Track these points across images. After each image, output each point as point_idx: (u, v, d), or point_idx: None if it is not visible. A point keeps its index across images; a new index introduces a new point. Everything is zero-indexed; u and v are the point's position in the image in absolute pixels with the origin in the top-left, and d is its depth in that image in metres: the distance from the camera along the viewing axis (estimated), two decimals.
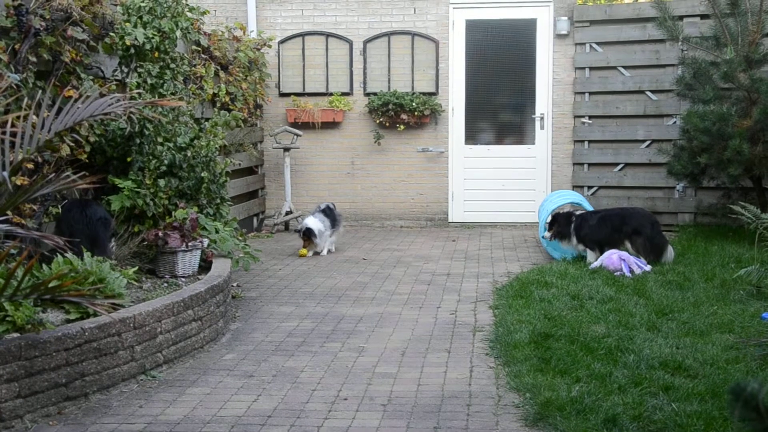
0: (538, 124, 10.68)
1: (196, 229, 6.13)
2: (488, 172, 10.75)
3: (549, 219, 8.02)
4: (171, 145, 6.46)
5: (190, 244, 5.96)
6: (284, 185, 10.54)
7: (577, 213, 7.92)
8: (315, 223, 8.65)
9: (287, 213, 10.45)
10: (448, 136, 10.83)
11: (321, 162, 10.99)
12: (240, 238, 7.11)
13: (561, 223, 7.88)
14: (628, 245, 7.60)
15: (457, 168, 10.84)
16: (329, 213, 8.90)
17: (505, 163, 10.75)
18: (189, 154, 6.53)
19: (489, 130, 10.97)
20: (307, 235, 8.61)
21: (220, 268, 6.02)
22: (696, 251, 8.13)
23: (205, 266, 6.18)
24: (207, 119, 7.90)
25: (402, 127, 10.66)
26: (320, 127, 10.80)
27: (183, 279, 5.85)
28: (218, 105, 8.87)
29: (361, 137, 10.91)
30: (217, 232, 6.48)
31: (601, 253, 7.64)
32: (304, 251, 8.69)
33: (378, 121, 10.72)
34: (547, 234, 7.98)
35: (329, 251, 8.85)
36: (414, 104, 10.49)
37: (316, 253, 8.77)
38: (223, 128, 7.70)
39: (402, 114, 10.57)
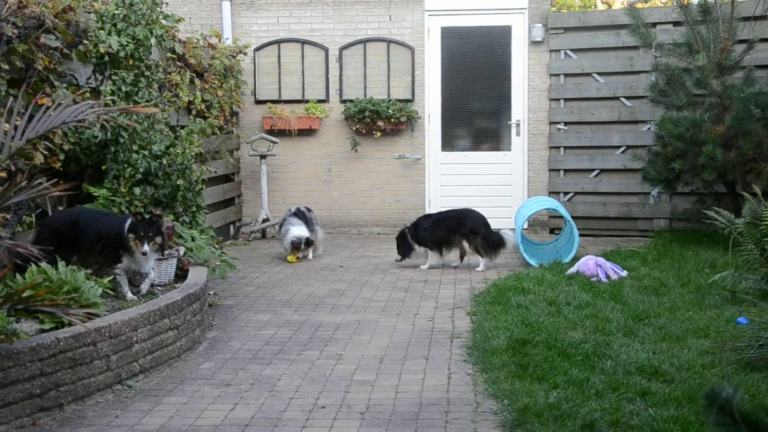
0: (514, 130, 10.74)
1: (172, 237, 6.09)
2: (465, 179, 10.80)
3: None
4: (146, 152, 6.42)
5: (166, 252, 5.91)
6: (261, 193, 10.51)
7: (409, 225, 8.44)
8: (304, 230, 8.73)
9: (264, 220, 10.42)
10: (424, 143, 10.86)
11: (298, 169, 10.97)
12: (216, 246, 7.09)
13: (400, 243, 8.37)
14: (466, 245, 8.22)
15: (433, 174, 10.87)
16: (301, 216, 8.96)
17: (482, 169, 10.79)
18: (164, 162, 6.50)
19: (465, 136, 11.02)
20: (308, 244, 8.75)
21: (197, 276, 5.98)
22: (671, 256, 8.21)
23: (181, 275, 6.15)
24: (182, 127, 7.87)
25: (379, 134, 10.68)
26: (297, 134, 10.79)
27: (159, 288, 5.81)
28: (194, 112, 8.83)
29: (338, 144, 10.91)
30: (193, 240, 6.46)
31: (440, 252, 8.21)
32: (293, 258, 8.74)
33: (354, 128, 10.73)
34: (398, 258, 8.42)
35: (306, 257, 8.94)
36: (390, 111, 10.51)
37: (304, 257, 8.91)
38: (199, 136, 7.66)
39: (378, 121, 10.59)
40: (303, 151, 10.95)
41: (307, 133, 10.87)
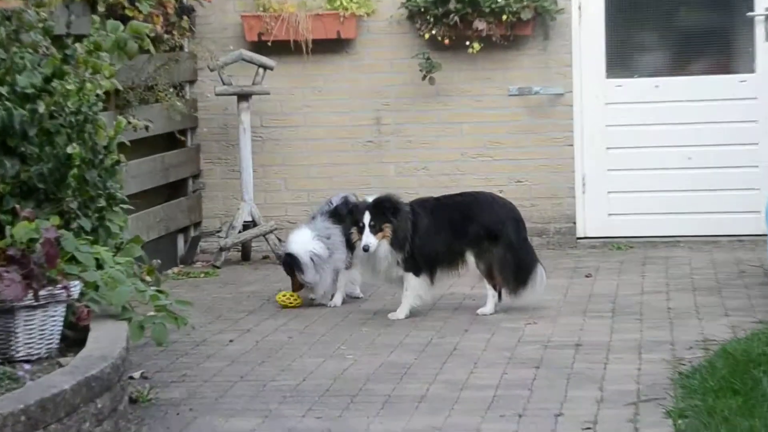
0: (761, 32, 10.67)
1: (56, 260, 6.02)
2: (657, 134, 10.78)
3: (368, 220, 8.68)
4: (4, 90, 6.41)
5: (42, 292, 5.84)
6: (240, 168, 10.63)
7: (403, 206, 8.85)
8: (304, 242, 8.85)
9: (246, 225, 10.55)
10: (571, 64, 10.88)
11: (314, 120, 11.08)
12: (149, 277, 7.06)
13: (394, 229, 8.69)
14: (471, 261, 8.64)
15: (592, 126, 10.92)
16: (345, 215, 9.08)
17: (693, 112, 10.79)
18: (41, 108, 6.51)
19: (655, 48, 11.15)
20: (289, 265, 8.85)
21: (106, 340, 5.94)
22: None
23: (75, 337, 6.13)
24: (80, 38, 7.82)
25: (477, 46, 10.70)
26: (311, 50, 10.86)
27: (28, 365, 5.74)
28: (102, 9, 8.80)
29: (395, 69, 11.00)
30: (100, 266, 6.43)
31: (432, 278, 8.72)
32: (284, 298, 8.93)
33: (428, 36, 10.76)
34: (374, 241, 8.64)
35: (346, 297, 9.17)
36: (500, 1, 10.48)
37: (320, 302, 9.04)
38: (114, 55, 7.59)
39: (476, 21, 10.59)
40: (325, 85, 11.05)
41: (332, 47, 10.99)
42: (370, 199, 8.61)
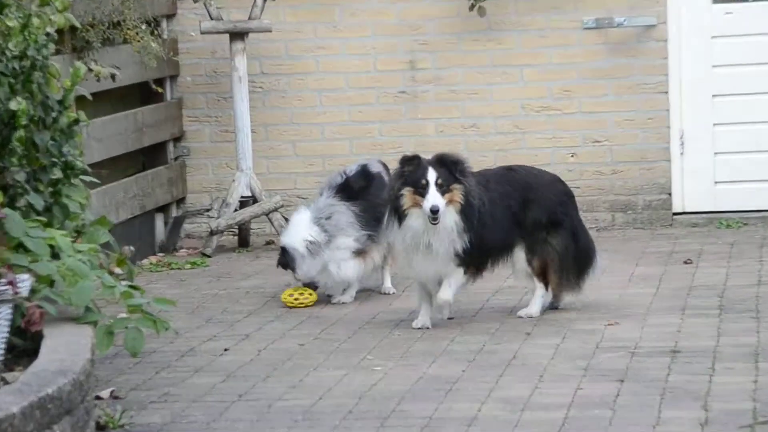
0: None
1: None
2: None
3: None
4: None
5: None
6: (235, 128, 10.64)
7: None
8: (298, 229, 8.95)
9: (243, 202, 10.62)
10: None
11: (331, 66, 11.15)
12: (119, 269, 7.00)
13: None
14: (521, 257, 8.84)
15: (693, 67, 10.93)
16: (361, 189, 9.15)
17: None
18: None
19: None
20: (284, 263, 8.95)
21: (65, 350, 5.88)
22: None
23: (24, 347, 6.14)
24: None
25: None
26: None
27: None
28: None
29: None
30: (56, 255, 6.42)
31: (475, 276, 8.95)
32: (292, 294, 8.97)
33: None
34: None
35: (374, 293, 9.27)
36: None
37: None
38: None
39: None
40: (343, 19, 11.09)
41: None
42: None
